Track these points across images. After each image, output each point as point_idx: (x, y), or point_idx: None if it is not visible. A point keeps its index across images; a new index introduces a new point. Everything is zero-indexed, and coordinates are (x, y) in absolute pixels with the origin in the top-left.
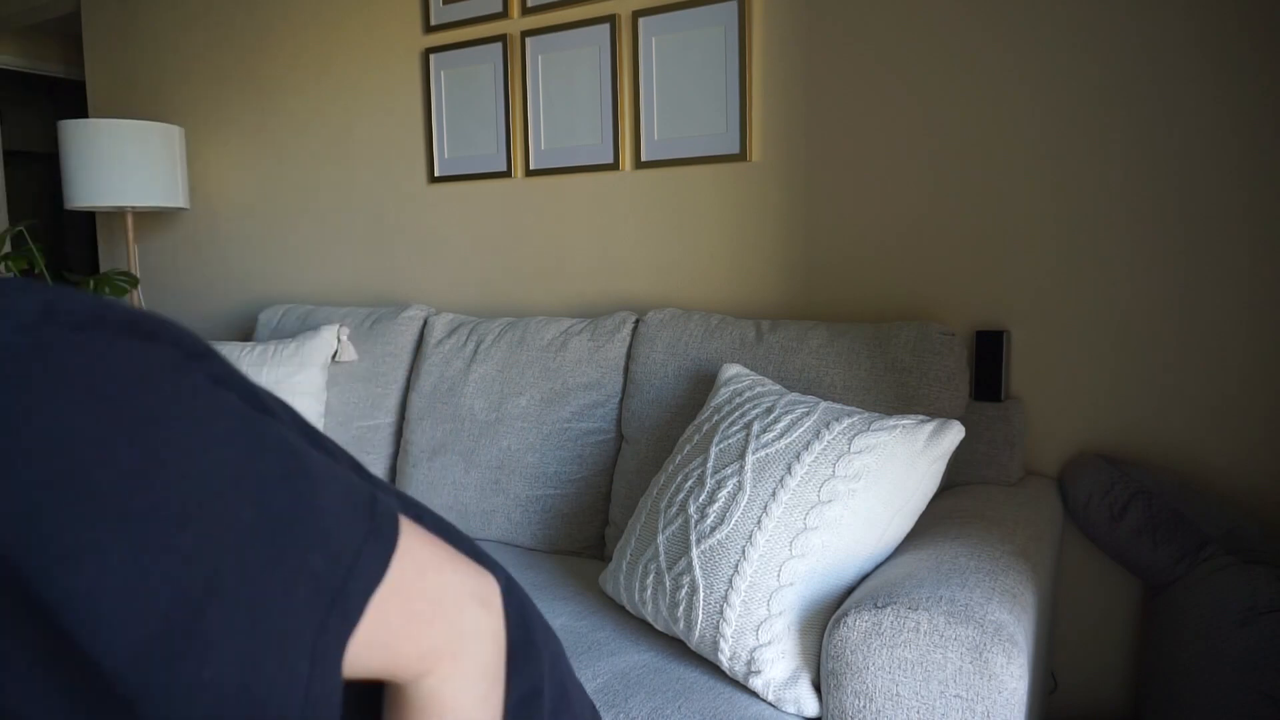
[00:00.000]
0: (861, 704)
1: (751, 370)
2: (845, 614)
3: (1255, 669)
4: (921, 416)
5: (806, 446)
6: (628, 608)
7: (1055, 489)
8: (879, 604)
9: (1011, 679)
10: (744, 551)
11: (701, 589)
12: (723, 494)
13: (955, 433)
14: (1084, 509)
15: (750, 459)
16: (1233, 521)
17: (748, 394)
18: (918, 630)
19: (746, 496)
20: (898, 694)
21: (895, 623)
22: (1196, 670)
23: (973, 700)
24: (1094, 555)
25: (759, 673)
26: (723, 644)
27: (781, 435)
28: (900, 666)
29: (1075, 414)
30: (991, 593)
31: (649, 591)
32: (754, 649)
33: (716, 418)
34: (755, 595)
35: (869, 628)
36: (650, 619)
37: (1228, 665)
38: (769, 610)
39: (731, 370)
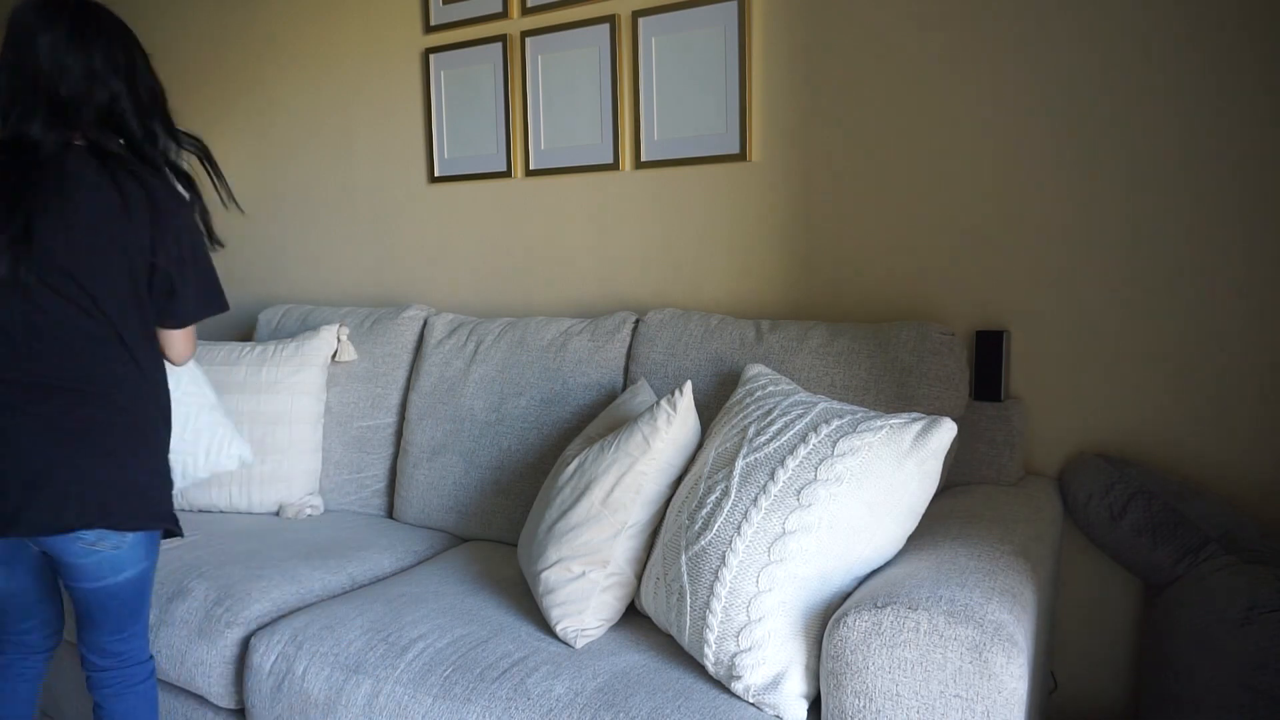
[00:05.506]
0: (861, 704)
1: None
2: (845, 614)
3: (1255, 669)
4: (914, 415)
5: (792, 451)
6: (636, 605)
7: (1055, 489)
8: (879, 604)
9: (1011, 679)
10: (724, 558)
11: (688, 595)
12: (710, 500)
13: (945, 431)
14: (1084, 509)
15: (739, 464)
16: (1232, 521)
17: (758, 394)
18: (918, 630)
19: (730, 502)
20: (898, 694)
21: (895, 622)
22: (1196, 670)
23: (973, 700)
24: (1094, 555)
25: (739, 677)
26: (707, 650)
27: (773, 439)
28: (900, 666)
29: (1075, 414)
30: (991, 592)
31: (651, 595)
32: (734, 654)
33: (724, 418)
34: (735, 601)
35: (869, 627)
36: (652, 616)
37: (1228, 665)
38: (748, 616)
39: (753, 370)
